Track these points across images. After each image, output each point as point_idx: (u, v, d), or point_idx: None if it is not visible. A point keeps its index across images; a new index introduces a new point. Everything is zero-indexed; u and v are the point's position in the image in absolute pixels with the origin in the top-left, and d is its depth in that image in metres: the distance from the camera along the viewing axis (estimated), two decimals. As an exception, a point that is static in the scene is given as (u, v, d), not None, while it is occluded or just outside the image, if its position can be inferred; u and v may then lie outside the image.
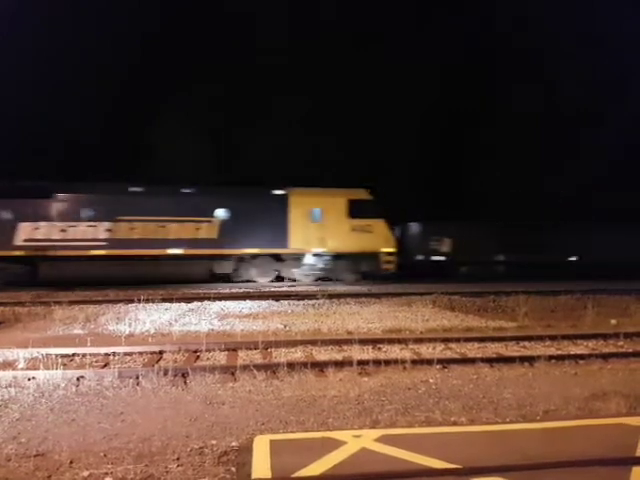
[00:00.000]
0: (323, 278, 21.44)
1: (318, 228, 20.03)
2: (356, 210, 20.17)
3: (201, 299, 14.51)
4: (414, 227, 22.61)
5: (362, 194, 20.44)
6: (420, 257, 22.19)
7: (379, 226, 20.34)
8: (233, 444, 4.33)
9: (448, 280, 20.14)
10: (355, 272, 20.66)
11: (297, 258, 20.29)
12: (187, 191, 19.48)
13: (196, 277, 19.17)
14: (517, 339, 8.98)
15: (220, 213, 19.49)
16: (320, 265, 20.52)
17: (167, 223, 19.00)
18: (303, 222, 19.96)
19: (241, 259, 19.83)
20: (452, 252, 22.21)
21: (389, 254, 20.42)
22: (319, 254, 20.32)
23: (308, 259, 20.40)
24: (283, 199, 20.00)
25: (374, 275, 20.60)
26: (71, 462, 4.00)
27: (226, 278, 19.98)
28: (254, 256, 19.80)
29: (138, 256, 18.61)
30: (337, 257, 20.39)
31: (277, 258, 20.12)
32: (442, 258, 22.21)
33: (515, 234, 22.16)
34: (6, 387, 6.02)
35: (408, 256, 21.96)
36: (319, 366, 6.95)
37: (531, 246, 22.24)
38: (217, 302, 14.15)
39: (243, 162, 28.36)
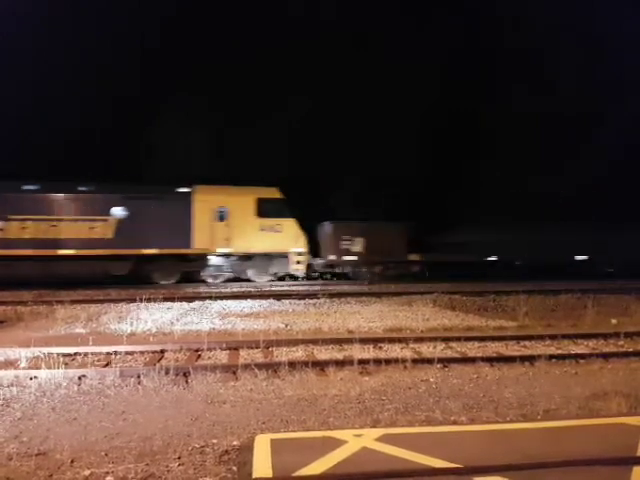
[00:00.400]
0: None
1: (224, 227, 19.43)
2: (265, 209, 19.72)
3: (202, 298, 14.55)
4: (327, 227, 21.98)
5: (272, 193, 19.96)
6: (332, 257, 21.55)
7: (289, 225, 19.89)
8: (234, 443, 4.34)
9: (449, 280, 20.12)
10: (266, 272, 20.21)
11: (202, 259, 19.66)
12: (83, 189, 18.82)
13: (89, 278, 18.31)
14: (517, 338, 8.98)
15: (117, 212, 18.74)
16: (227, 266, 20.00)
17: (59, 222, 18.35)
18: (208, 221, 19.31)
19: (140, 260, 18.92)
20: (365, 252, 21.71)
21: (299, 254, 20.02)
22: (226, 254, 19.74)
23: (214, 260, 19.84)
24: (187, 197, 19.35)
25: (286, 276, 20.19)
26: (72, 461, 4.01)
27: (127, 280, 18.89)
28: (155, 257, 18.97)
29: (28, 256, 17.87)
30: (246, 257, 19.90)
31: (182, 259, 19.40)
32: (354, 258, 21.66)
33: (430, 233, 21.87)
34: (8, 386, 6.03)
35: (321, 256, 21.63)
36: (320, 365, 6.96)
37: (448, 245, 22.05)
38: (218, 301, 14.19)
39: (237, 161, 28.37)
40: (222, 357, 7.83)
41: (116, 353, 7.77)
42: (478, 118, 31.01)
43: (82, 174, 19.70)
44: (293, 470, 3.70)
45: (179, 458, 4.06)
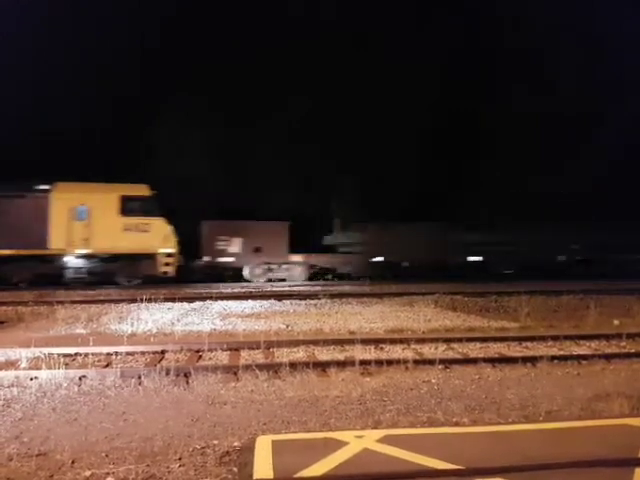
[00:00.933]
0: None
1: (84, 227, 18.25)
2: (131, 207, 18.57)
3: (203, 299, 14.55)
4: (203, 226, 21.12)
5: (140, 190, 18.82)
6: (207, 258, 20.73)
7: (157, 225, 18.70)
8: (235, 444, 4.33)
9: (451, 280, 20.10)
10: (132, 275, 19.08)
11: (60, 260, 18.51)
12: None
13: None
14: (519, 339, 8.97)
15: None
16: (89, 267, 18.74)
17: None
18: (66, 220, 18.15)
19: None
20: (242, 253, 21.02)
21: (168, 255, 18.88)
22: (87, 255, 18.58)
23: (74, 261, 18.63)
24: (45, 195, 18.22)
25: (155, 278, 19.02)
26: (73, 462, 4.00)
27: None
28: (10, 258, 17.80)
29: None
30: (110, 259, 18.72)
31: (40, 260, 18.24)
32: (230, 259, 20.93)
33: (313, 233, 21.78)
34: (8, 387, 6.02)
35: (195, 257, 20.71)
36: (321, 366, 6.94)
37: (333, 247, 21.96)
38: (219, 302, 14.18)
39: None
40: (223, 358, 7.82)
41: (117, 354, 7.76)
42: (478, 118, 31.01)
43: (82, 175, 19.63)
44: (294, 471, 3.69)
45: (180, 459, 4.04)
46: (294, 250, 21.36)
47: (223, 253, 20.87)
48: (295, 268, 21.63)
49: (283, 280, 21.34)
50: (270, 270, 21.41)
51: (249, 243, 20.98)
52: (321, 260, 22.04)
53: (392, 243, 21.98)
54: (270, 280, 21.19)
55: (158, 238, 18.72)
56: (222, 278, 20.74)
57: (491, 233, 22.51)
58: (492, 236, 22.41)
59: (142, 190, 18.87)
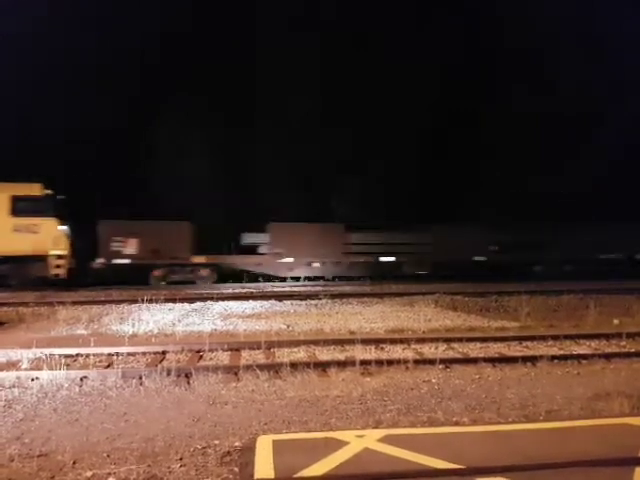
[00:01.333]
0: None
1: None
2: (21, 207, 17.75)
3: (204, 299, 14.57)
4: (99, 227, 19.96)
5: (32, 189, 17.96)
6: (101, 260, 19.71)
7: (49, 226, 17.90)
8: (236, 444, 4.34)
9: (450, 280, 20.10)
10: (23, 277, 18.15)
11: None
12: None
13: None
14: (519, 339, 8.98)
15: None
16: None
17: None
18: None
19: None
20: (139, 254, 19.99)
21: (59, 257, 18.07)
22: None
23: None
24: None
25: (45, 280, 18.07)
26: (74, 462, 4.01)
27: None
28: None
29: None
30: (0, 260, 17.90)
31: None
32: (126, 261, 19.93)
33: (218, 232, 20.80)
34: (10, 387, 6.04)
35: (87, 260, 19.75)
36: (322, 366, 6.96)
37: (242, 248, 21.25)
38: (220, 302, 14.20)
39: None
40: (224, 358, 7.83)
41: (118, 354, 7.78)
42: (478, 118, 31.01)
43: (82, 175, 19.64)
44: (295, 471, 3.70)
45: (181, 459, 4.05)
46: (199, 252, 20.42)
47: (118, 255, 19.90)
48: (201, 270, 20.66)
49: (192, 283, 20.22)
50: (173, 272, 20.40)
51: (146, 244, 19.95)
52: (229, 261, 20.96)
53: (299, 244, 21.17)
54: (175, 283, 20.02)
55: (49, 240, 18.01)
56: (121, 281, 19.42)
57: (405, 234, 22.26)
58: (407, 237, 22.20)
59: (34, 190, 18.07)
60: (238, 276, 20.81)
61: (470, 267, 22.42)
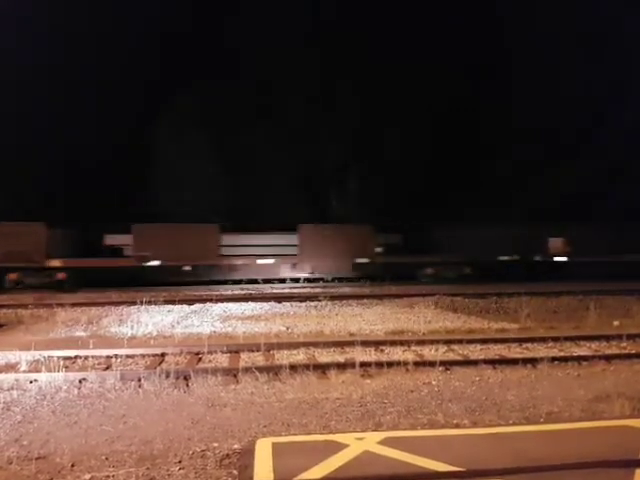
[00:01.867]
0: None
1: None
2: None
3: (203, 301, 14.54)
4: None
5: None
6: None
7: None
8: (235, 447, 4.32)
9: (450, 282, 20.04)
10: None
11: None
12: None
13: None
14: (520, 341, 8.97)
15: None
16: None
17: None
18: None
19: None
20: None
21: None
22: None
23: None
24: None
25: None
26: (73, 465, 3.99)
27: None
28: None
29: None
30: None
31: None
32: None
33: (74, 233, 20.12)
34: (8, 390, 6.02)
35: None
36: (321, 368, 6.94)
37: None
38: (219, 304, 14.18)
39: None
40: (223, 360, 7.82)
41: (116, 356, 7.76)
42: (478, 118, 31.06)
43: (82, 176, 19.60)
44: (294, 474, 3.68)
45: (180, 462, 4.04)
46: (56, 255, 19.34)
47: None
48: (57, 274, 19.30)
49: (50, 288, 18.56)
50: (28, 276, 19.14)
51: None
52: (88, 265, 19.62)
53: (166, 245, 20.09)
54: (32, 287, 18.57)
55: None
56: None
57: (281, 236, 21.52)
58: (283, 239, 21.46)
59: None
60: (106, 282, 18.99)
61: (349, 270, 21.40)
